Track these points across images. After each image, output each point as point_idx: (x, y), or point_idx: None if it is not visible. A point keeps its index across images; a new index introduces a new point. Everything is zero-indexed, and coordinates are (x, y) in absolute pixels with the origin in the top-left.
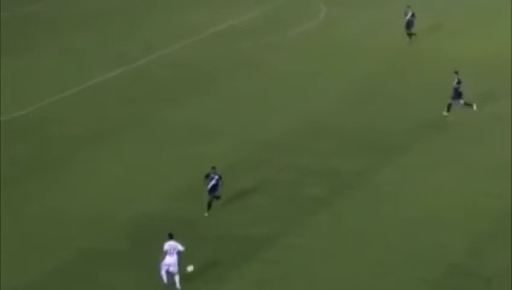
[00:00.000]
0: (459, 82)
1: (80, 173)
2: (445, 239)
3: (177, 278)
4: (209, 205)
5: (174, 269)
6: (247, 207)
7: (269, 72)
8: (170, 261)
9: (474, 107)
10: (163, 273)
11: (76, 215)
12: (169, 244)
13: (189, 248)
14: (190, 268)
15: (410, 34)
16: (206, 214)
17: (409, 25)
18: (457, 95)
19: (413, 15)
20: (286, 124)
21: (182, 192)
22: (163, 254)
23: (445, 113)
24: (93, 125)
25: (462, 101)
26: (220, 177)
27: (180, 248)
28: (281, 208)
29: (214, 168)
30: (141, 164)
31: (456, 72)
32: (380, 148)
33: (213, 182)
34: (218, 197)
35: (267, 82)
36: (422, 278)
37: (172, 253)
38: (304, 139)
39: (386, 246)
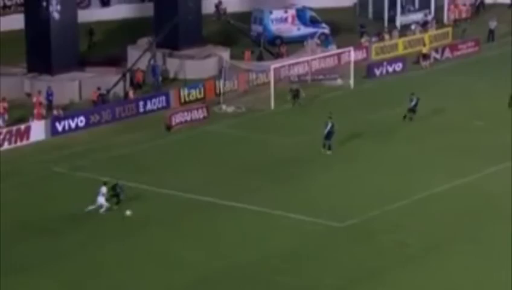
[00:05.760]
0: (332, 126)
1: (409, 284)
2: None
3: (92, 207)
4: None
5: (100, 203)
6: None
7: None
8: (100, 200)
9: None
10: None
11: None
12: (101, 189)
13: None
14: (128, 212)
15: None
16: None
17: None
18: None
19: None
20: None
21: None
22: (97, 194)
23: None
24: (425, 236)
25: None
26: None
27: (104, 191)
28: None
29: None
30: (470, 280)
31: (330, 117)
32: None
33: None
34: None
35: None
36: None
37: (102, 195)
38: None
39: None
